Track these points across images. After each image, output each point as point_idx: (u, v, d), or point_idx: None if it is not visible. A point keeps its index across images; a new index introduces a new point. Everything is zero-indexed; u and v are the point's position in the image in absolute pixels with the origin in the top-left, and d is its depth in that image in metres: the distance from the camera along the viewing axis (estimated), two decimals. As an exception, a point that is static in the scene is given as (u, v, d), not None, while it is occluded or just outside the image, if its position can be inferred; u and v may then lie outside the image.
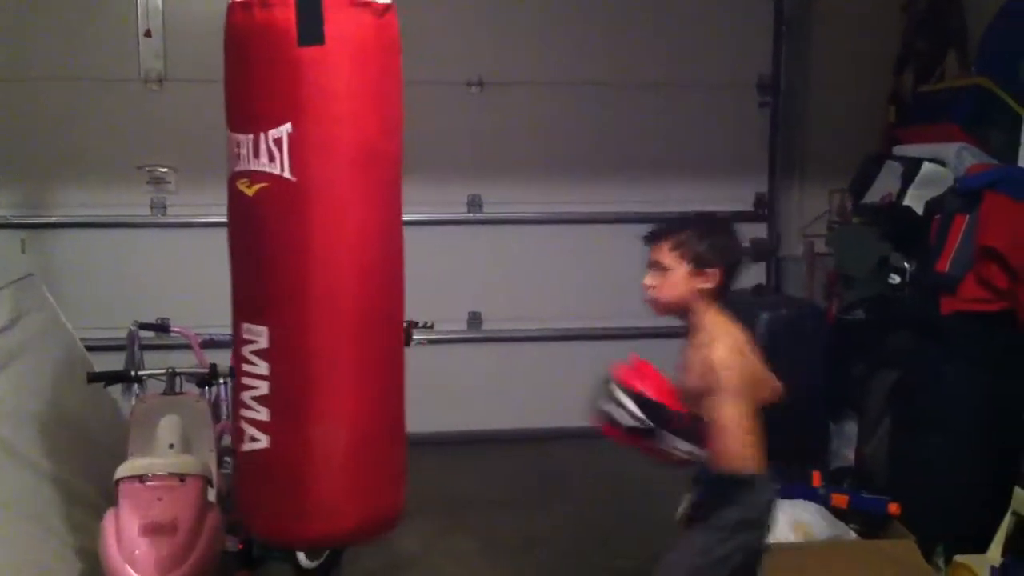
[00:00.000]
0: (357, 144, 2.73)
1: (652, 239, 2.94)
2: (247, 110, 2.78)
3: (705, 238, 2.89)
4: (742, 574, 2.90)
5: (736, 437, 2.71)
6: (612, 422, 2.86)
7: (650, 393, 2.85)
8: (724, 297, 2.92)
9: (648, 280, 2.93)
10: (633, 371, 2.91)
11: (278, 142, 2.69)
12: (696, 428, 2.78)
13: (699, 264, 2.86)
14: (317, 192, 2.72)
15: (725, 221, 3.03)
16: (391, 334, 2.93)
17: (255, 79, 2.75)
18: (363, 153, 2.75)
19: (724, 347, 2.80)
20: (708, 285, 2.86)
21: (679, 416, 2.82)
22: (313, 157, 2.70)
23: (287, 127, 2.69)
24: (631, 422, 2.83)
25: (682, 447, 2.81)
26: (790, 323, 5.12)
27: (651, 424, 2.81)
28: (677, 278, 2.88)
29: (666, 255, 2.89)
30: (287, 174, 2.70)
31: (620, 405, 2.84)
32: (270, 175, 2.72)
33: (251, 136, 2.73)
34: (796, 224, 6.53)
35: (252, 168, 2.74)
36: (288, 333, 2.81)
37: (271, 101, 2.72)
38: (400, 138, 2.86)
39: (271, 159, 2.70)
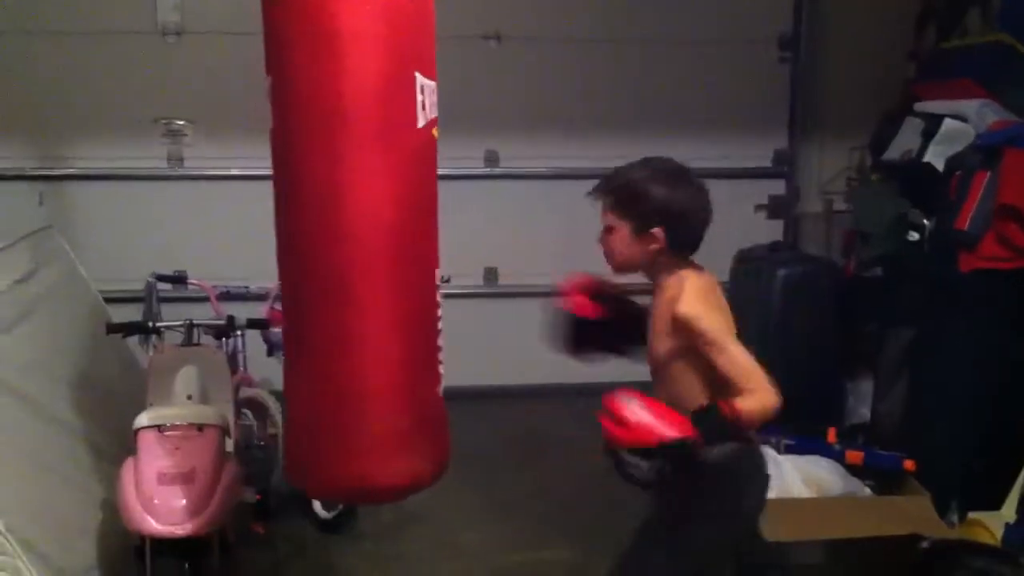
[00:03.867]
0: (312, 95, 2.64)
1: (595, 194, 2.76)
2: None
3: (645, 193, 2.65)
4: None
5: (758, 371, 2.51)
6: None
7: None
8: (688, 250, 2.70)
9: (599, 239, 2.76)
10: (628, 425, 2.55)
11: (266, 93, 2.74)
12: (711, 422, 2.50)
13: (641, 224, 2.65)
14: (287, 141, 2.75)
15: (670, 168, 2.71)
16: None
17: None
18: (322, 104, 2.64)
19: (690, 298, 2.60)
20: (655, 246, 2.65)
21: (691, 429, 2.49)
22: (281, 106, 2.72)
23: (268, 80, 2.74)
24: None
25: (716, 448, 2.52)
26: (807, 280, 5.10)
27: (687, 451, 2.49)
28: (622, 239, 2.69)
29: (608, 214, 2.71)
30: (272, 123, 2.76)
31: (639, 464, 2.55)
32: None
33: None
34: (815, 181, 6.51)
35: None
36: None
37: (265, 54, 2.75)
38: (367, 90, 2.64)
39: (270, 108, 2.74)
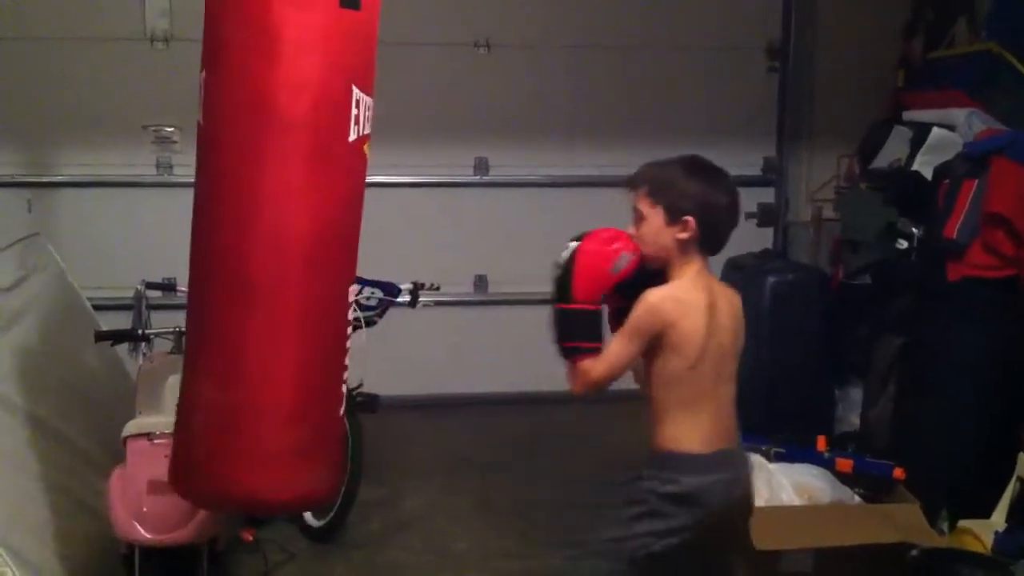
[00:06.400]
0: (247, 97, 2.61)
1: (630, 184, 2.76)
2: None
3: (682, 183, 2.67)
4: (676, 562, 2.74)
5: (605, 371, 2.65)
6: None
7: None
8: (710, 250, 2.73)
9: (630, 229, 2.75)
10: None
11: (199, 87, 2.70)
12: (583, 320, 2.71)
13: (673, 213, 2.65)
14: (214, 140, 2.70)
15: (710, 166, 2.76)
16: (307, 305, 2.73)
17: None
18: (256, 107, 2.61)
19: (660, 292, 2.65)
20: (684, 235, 2.65)
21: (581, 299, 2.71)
22: (213, 104, 2.67)
23: (203, 75, 2.69)
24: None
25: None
26: (796, 288, 5.12)
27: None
28: (652, 227, 2.68)
29: (642, 202, 2.70)
30: (200, 118, 2.71)
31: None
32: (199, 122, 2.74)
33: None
34: (804, 189, 6.52)
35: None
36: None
37: (202, 48, 2.73)
38: (316, 100, 2.62)
39: (200, 104, 2.71)
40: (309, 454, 2.81)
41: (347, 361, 2.93)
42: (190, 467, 2.84)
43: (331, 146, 2.67)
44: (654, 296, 2.64)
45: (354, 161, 2.76)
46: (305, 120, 2.61)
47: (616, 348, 2.67)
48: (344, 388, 2.95)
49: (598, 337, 2.71)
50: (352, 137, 2.70)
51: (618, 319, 2.74)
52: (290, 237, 2.65)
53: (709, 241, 2.71)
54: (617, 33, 6.20)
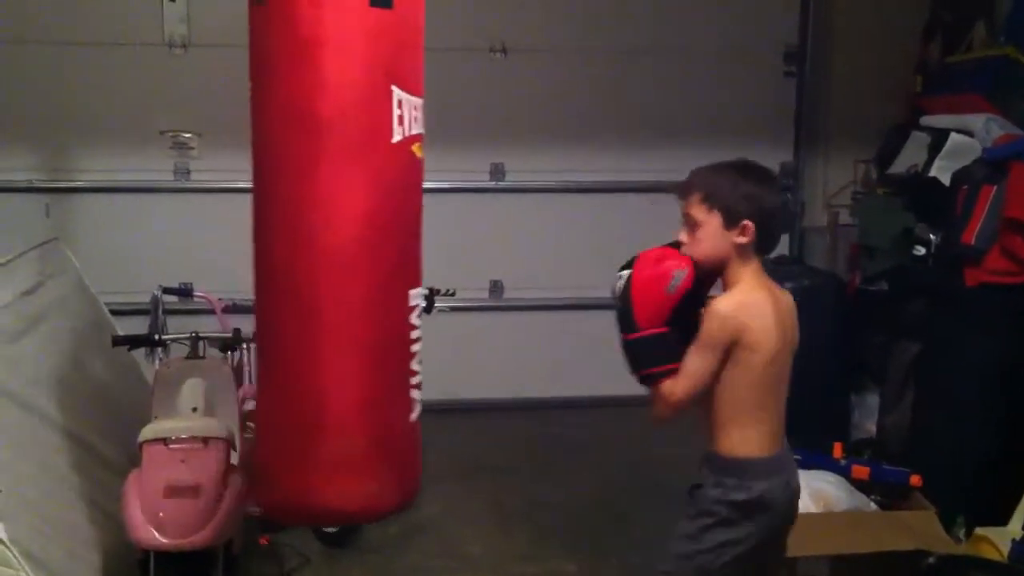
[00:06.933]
0: (280, 102, 2.64)
1: (681, 191, 2.73)
2: None
3: (737, 187, 2.66)
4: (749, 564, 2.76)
5: (687, 390, 2.64)
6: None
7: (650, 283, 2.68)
8: (764, 251, 2.73)
9: (681, 236, 2.73)
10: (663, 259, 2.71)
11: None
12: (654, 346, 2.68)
13: (731, 217, 2.64)
14: (258, 148, 2.72)
15: (759, 168, 2.76)
16: (366, 311, 2.72)
17: None
18: (289, 111, 2.63)
19: (729, 300, 2.65)
20: (744, 239, 2.64)
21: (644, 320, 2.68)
22: (254, 111, 2.71)
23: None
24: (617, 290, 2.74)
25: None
26: (812, 294, 5.09)
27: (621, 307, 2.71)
28: (709, 233, 2.66)
29: (696, 208, 2.68)
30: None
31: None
32: None
33: None
34: (820, 194, 6.50)
35: None
36: None
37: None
38: (351, 101, 2.63)
39: None
40: (374, 464, 2.78)
41: (416, 365, 2.87)
42: (261, 478, 2.87)
43: (372, 148, 2.65)
44: (723, 305, 2.65)
45: (402, 162, 2.73)
46: (340, 122, 2.61)
47: (694, 364, 2.66)
48: (415, 393, 2.89)
49: (673, 357, 2.68)
50: (396, 138, 2.68)
51: (682, 332, 2.72)
52: (336, 242, 2.64)
53: (764, 242, 2.71)
54: (632, 37, 6.19)
